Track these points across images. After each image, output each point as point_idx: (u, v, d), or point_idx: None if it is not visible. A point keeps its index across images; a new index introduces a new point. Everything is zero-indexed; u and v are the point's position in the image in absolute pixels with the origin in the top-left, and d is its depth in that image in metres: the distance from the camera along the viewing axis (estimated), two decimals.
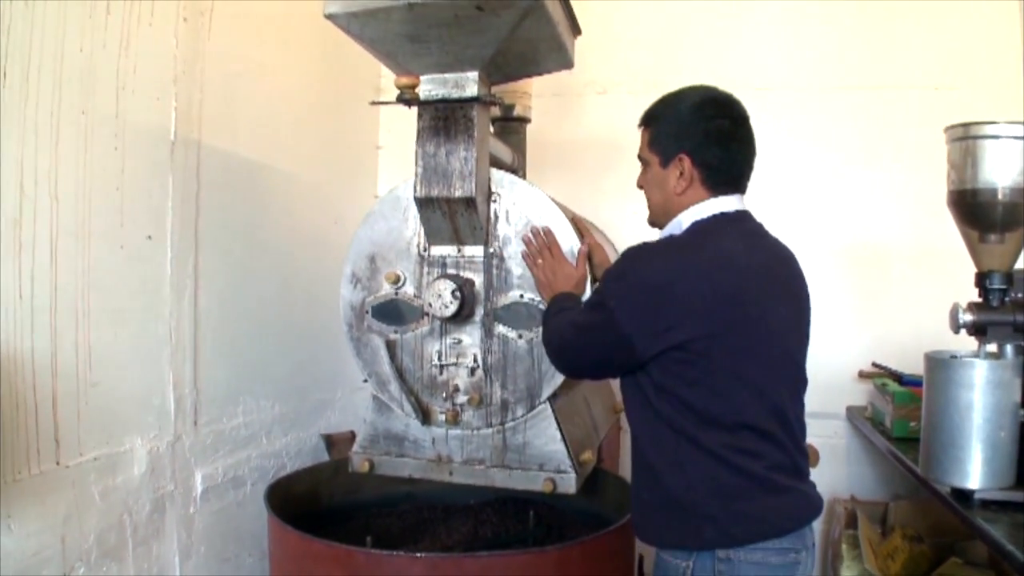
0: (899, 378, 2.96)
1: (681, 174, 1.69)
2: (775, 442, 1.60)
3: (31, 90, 1.89)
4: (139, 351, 2.24)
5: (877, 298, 3.30)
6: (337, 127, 3.35)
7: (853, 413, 3.19)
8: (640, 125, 1.81)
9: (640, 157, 1.81)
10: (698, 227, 1.69)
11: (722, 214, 1.70)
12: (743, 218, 1.73)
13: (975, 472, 1.99)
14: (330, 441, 2.98)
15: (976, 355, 2.09)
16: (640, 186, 1.83)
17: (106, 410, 2.10)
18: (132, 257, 2.20)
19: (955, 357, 2.09)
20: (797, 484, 1.64)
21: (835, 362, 3.19)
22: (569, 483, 2.02)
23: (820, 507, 1.67)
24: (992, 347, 2.09)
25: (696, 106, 1.71)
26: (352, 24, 1.87)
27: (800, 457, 1.67)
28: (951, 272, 3.18)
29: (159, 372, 2.31)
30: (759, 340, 1.60)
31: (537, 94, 2.73)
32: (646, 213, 1.85)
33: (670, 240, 1.70)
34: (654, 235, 1.80)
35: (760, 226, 1.75)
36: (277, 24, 2.82)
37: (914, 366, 3.07)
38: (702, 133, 1.68)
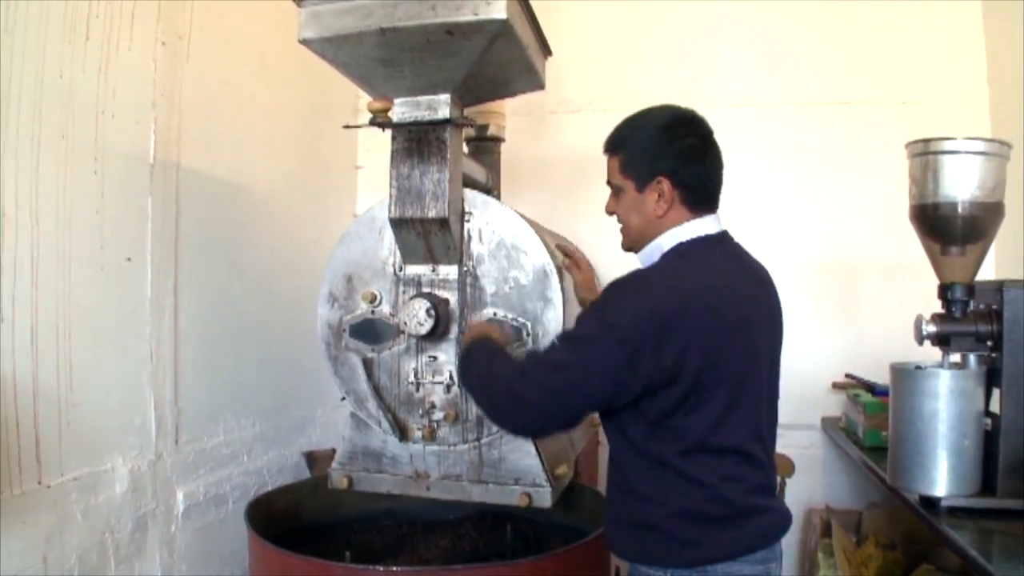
0: (872, 388, 3.00)
1: (660, 196, 1.67)
2: (756, 464, 1.65)
3: (11, 114, 1.92)
4: (119, 371, 2.27)
5: (849, 310, 3.36)
6: (316, 148, 3.39)
7: (828, 424, 3.24)
8: (606, 151, 1.77)
9: (611, 183, 1.77)
10: (683, 250, 1.67)
11: (705, 236, 1.69)
12: (724, 239, 1.73)
13: (941, 480, 2.03)
14: (312, 459, 3.00)
15: (940, 365, 2.13)
16: (610, 212, 1.80)
17: (87, 430, 2.12)
18: (112, 279, 2.23)
19: (919, 368, 2.13)
20: (771, 503, 1.70)
21: (809, 373, 3.24)
22: (544, 497, 2.05)
23: (790, 521, 1.72)
24: (955, 357, 2.13)
25: (665, 127, 1.69)
26: (326, 49, 1.91)
27: (772, 474, 1.74)
28: (920, 284, 3.24)
29: (140, 392, 2.33)
30: (749, 366, 1.64)
31: (512, 112, 2.77)
32: (619, 238, 1.83)
33: (664, 267, 1.67)
34: (631, 259, 1.81)
35: (739, 246, 1.77)
36: (255, 47, 2.86)
37: (886, 376, 3.12)
38: (676, 154, 1.67)
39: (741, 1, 3.48)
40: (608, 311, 1.59)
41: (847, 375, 3.23)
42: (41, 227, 2.00)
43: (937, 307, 2.30)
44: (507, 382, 1.65)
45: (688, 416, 1.57)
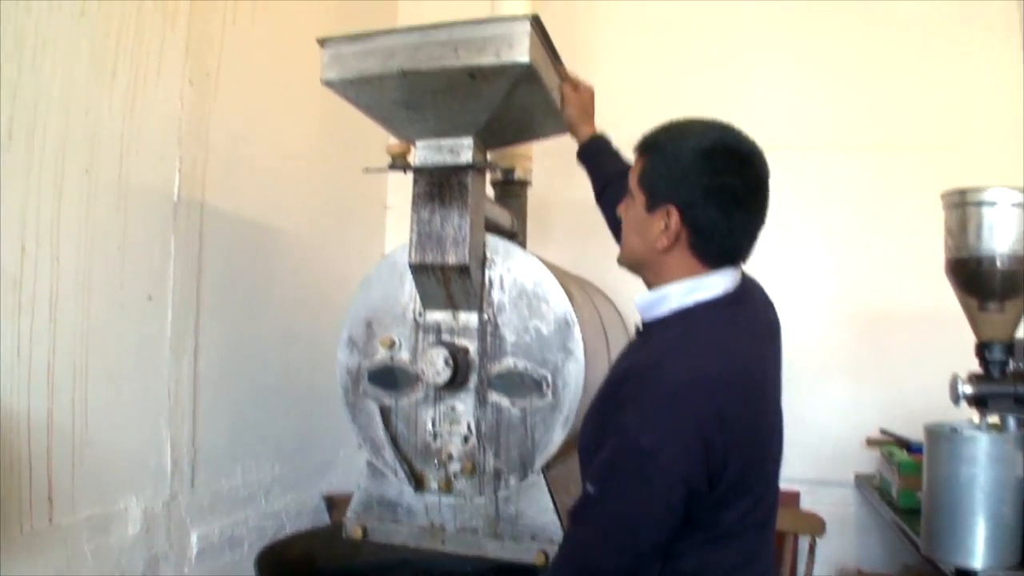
0: (907, 445, 2.90)
1: (665, 227, 1.42)
2: (768, 536, 1.52)
3: (35, 150, 1.93)
4: (137, 410, 2.24)
5: (884, 362, 3.25)
6: (344, 187, 3.37)
7: (861, 481, 3.13)
8: (636, 149, 1.53)
9: (628, 184, 1.54)
10: (702, 320, 1.43)
11: (724, 297, 1.45)
12: (742, 296, 1.49)
13: (979, 551, 1.94)
14: (331, 503, 2.95)
15: (977, 428, 2.05)
16: (619, 214, 1.58)
17: (101, 469, 2.10)
18: (132, 317, 2.22)
19: (955, 430, 2.05)
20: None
21: (842, 428, 3.15)
22: None
23: None
24: (994, 419, 2.04)
25: (704, 152, 1.40)
26: (348, 90, 1.89)
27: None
28: (959, 336, 3.16)
29: (156, 431, 2.31)
30: (773, 443, 1.49)
31: (543, 152, 2.73)
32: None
33: (687, 353, 1.39)
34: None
35: (753, 293, 1.57)
36: (283, 85, 2.86)
37: (922, 433, 3.02)
38: (702, 188, 1.39)
39: (776, 44, 3.46)
40: (643, 434, 1.31)
41: (882, 430, 3.12)
42: (62, 264, 1.99)
43: (974, 364, 2.22)
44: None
45: (716, 514, 1.37)
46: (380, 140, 3.48)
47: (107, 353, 2.13)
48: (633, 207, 1.50)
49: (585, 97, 2.08)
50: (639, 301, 1.52)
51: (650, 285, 1.52)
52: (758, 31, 3.49)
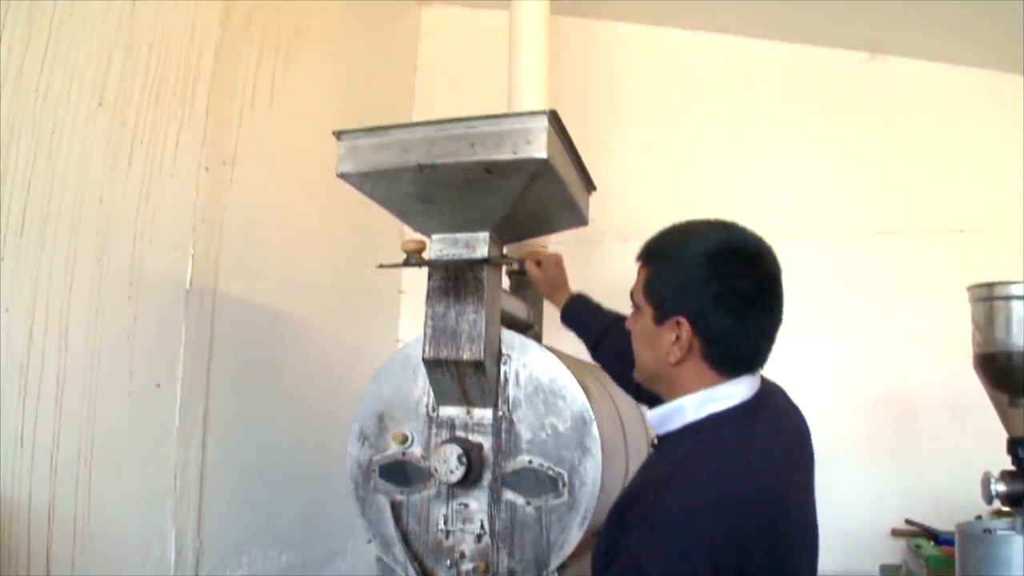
0: (935, 536, 2.82)
1: (677, 340, 1.32)
2: None
3: (48, 237, 1.92)
4: (141, 499, 2.19)
5: (907, 450, 3.18)
6: (358, 272, 3.33)
7: (887, 572, 3.03)
8: (638, 258, 1.43)
9: (632, 297, 1.44)
10: (719, 433, 1.33)
11: (743, 405, 1.34)
12: (762, 404, 1.38)
13: None
14: None
15: (1011, 528, 1.98)
16: (628, 329, 1.49)
17: (102, 561, 2.03)
18: (139, 405, 2.18)
19: (988, 531, 1.97)
20: None
21: (865, 518, 3.06)
22: None
23: None
24: None
25: (709, 256, 1.31)
26: (364, 183, 1.88)
27: None
28: (985, 424, 3.09)
29: (161, 522, 2.25)
30: (803, 561, 1.35)
31: (558, 241, 2.70)
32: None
33: (701, 470, 1.27)
34: None
35: (775, 399, 1.47)
36: (300, 173, 2.86)
37: (949, 522, 2.94)
38: (712, 296, 1.30)
39: (791, 130, 3.47)
40: (647, 559, 1.21)
41: (907, 521, 3.04)
42: (69, 351, 1.97)
43: (1001, 450, 2.16)
44: None
45: None
46: (395, 227, 3.49)
47: (112, 441, 2.08)
48: (641, 320, 1.41)
49: (552, 271, 2.06)
50: (652, 416, 1.43)
51: (665, 399, 1.42)
52: (772, 118, 3.51)
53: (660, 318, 1.35)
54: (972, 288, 2.06)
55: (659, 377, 1.40)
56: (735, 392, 1.34)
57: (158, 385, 2.24)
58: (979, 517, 2.65)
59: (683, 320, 1.31)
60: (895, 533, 3.06)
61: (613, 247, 3.47)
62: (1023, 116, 3.27)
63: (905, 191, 3.33)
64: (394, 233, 3.45)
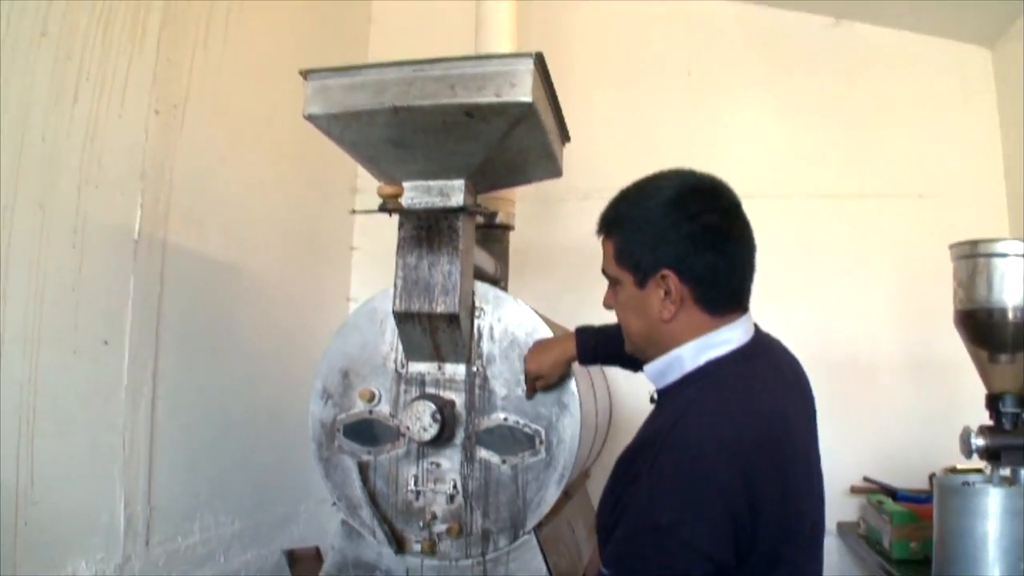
0: (893, 493, 2.84)
1: (667, 294, 1.32)
2: None
3: None
4: (88, 465, 2.06)
5: (865, 410, 3.19)
6: (311, 227, 3.24)
7: (844, 530, 3.05)
8: (599, 233, 1.43)
9: (605, 273, 1.44)
10: (719, 377, 1.32)
11: (741, 350, 1.34)
12: (760, 349, 1.39)
13: None
14: (293, 558, 2.79)
15: (989, 481, 2.01)
16: (608, 306, 1.47)
17: (47, 530, 1.91)
18: (85, 363, 2.04)
19: (967, 483, 1.99)
20: None
21: (826, 476, 3.04)
22: None
23: None
24: (1005, 471, 1.99)
25: (673, 201, 1.33)
26: (333, 126, 1.76)
27: None
28: (941, 383, 3.15)
29: (109, 487, 2.12)
30: (811, 507, 1.38)
31: (519, 198, 2.64)
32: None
33: (705, 414, 1.27)
34: None
35: (773, 348, 1.46)
36: (253, 120, 2.72)
37: (906, 478, 2.98)
38: (685, 237, 1.31)
39: (756, 92, 3.45)
40: (659, 508, 1.19)
41: (865, 478, 3.06)
42: (9, 305, 1.82)
43: (959, 408, 2.22)
44: None
45: None
46: (349, 181, 3.40)
47: (57, 402, 1.94)
48: (622, 291, 1.40)
49: (555, 372, 1.87)
50: (649, 370, 1.42)
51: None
52: (736, 81, 3.47)
53: (642, 280, 1.34)
54: (955, 246, 2.07)
55: (652, 340, 1.39)
56: (732, 337, 1.35)
57: (105, 342, 2.10)
58: (932, 475, 2.68)
59: (668, 272, 1.31)
60: (854, 490, 3.08)
61: (574, 205, 3.40)
62: (984, 87, 3.31)
63: (867, 156, 3.32)
64: (346, 188, 3.36)
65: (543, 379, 1.87)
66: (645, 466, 1.24)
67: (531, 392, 1.89)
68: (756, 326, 1.43)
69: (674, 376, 1.37)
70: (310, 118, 1.75)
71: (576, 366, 1.90)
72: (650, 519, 1.20)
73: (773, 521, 1.22)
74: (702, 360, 1.34)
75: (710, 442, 1.21)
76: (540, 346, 1.90)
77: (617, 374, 2.32)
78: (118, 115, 2.11)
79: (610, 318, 1.52)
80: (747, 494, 1.19)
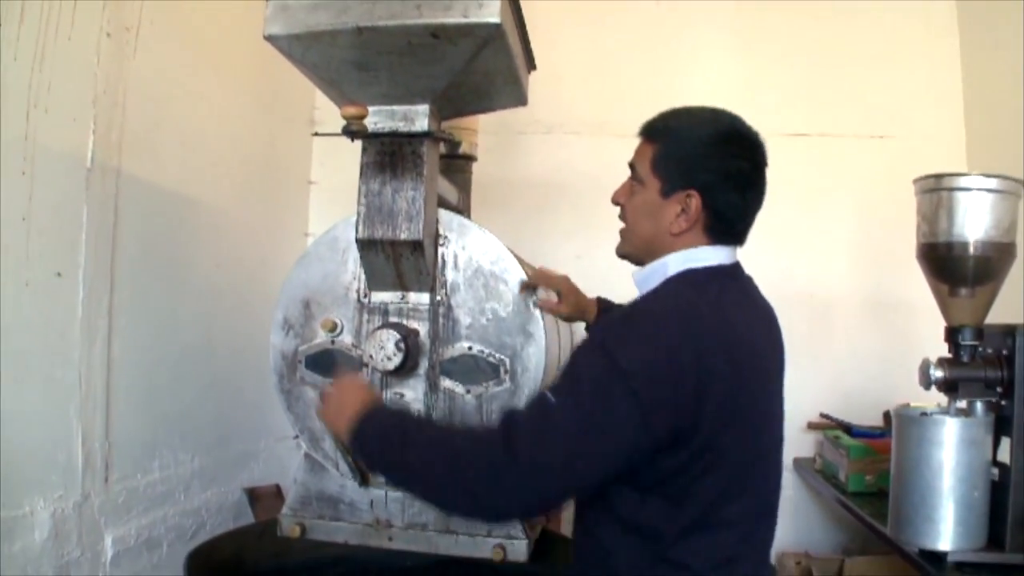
0: (848, 429, 2.90)
1: (683, 212, 1.41)
2: (757, 544, 1.45)
3: None
4: (44, 401, 2.02)
5: (822, 347, 3.26)
6: (268, 159, 3.16)
7: (801, 465, 3.11)
8: (643, 135, 1.49)
9: (633, 168, 1.49)
10: (694, 281, 1.40)
11: (719, 267, 1.43)
12: (737, 273, 1.49)
13: (947, 533, 1.94)
14: (253, 495, 2.77)
15: (946, 412, 2.04)
16: (617, 201, 1.52)
17: (3, 469, 1.86)
18: (38, 296, 1.98)
19: (925, 414, 2.03)
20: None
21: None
22: (520, 550, 1.86)
23: None
24: (961, 403, 2.03)
25: (719, 137, 1.43)
26: (294, 47, 1.71)
27: (768, 553, 1.53)
28: (897, 324, 3.20)
29: (66, 425, 2.08)
30: (764, 426, 1.42)
31: (484, 130, 2.61)
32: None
33: (674, 299, 1.37)
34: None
35: (751, 282, 1.53)
36: (208, 45, 2.65)
37: (860, 416, 3.03)
38: (722, 173, 1.41)
39: (721, 31, 3.44)
40: (617, 353, 1.26)
41: (822, 414, 3.12)
42: None
43: (917, 347, 2.24)
44: (483, 459, 1.28)
45: (691, 485, 1.30)
46: (307, 112, 3.32)
47: (10, 337, 1.88)
48: (643, 193, 1.47)
49: (573, 298, 1.88)
50: (637, 274, 1.50)
51: None
52: (700, 18, 3.46)
53: (668, 191, 1.43)
54: (919, 180, 2.08)
55: (651, 247, 1.47)
56: (717, 256, 1.44)
57: (58, 274, 2.04)
58: (887, 412, 2.73)
59: (694, 193, 1.41)
60: (811, 426, 3.14)
61: (537, 138, 3.38)
62: (948, 31, 3.35)
63: (831, 96, 3.34)
64: (304, 119, 3.29)
65: (562, 310, 1.88)
66: (607, 326, 1.41)
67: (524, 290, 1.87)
68: (740, 265, 1.51)
69: (657, 281, 1.44)
70: (270, 38, 1.69)
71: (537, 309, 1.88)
72: (601, 350, 1.29)
73: (719, 418, 1.28)
74: (684, 267, 1.43)
75: (671, 312, 1.33)
76: (575, 295, 1.91)
77: None
78: (68, 36, 2.02)
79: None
80: (695, 373, 1.26)
